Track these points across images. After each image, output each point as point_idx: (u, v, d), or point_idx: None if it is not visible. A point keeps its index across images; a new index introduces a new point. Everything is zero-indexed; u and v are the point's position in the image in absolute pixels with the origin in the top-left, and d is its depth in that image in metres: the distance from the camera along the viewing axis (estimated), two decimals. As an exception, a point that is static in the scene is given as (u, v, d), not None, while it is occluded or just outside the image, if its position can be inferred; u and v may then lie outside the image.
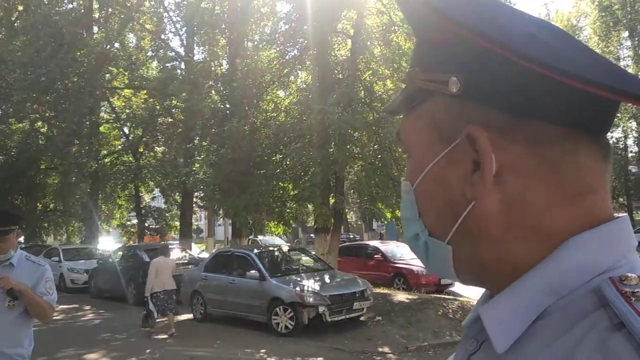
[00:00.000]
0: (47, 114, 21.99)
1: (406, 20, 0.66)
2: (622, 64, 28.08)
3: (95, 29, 23.30)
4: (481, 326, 0.56)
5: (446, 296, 13.16)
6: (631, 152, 31.14)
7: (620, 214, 0.56)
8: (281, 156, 14.38)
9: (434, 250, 0.60)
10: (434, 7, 0.53)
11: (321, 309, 10.06)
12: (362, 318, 10.91)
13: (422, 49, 0.61)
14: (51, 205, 25.19)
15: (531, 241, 0.54)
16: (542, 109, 0.52)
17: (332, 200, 13.48)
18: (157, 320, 10.74)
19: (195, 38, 20.84)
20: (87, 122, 22.30)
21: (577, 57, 0.50)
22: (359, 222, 41.04)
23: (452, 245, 0.58)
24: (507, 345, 0.53)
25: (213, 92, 17.46)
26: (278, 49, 15.10)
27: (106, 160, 24.01)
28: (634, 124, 29.86)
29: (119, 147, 24.92)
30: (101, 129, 23.96)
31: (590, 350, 0.45)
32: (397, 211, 13.68)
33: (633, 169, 31.38)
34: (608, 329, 0.46)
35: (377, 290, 12.83)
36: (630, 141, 30.83)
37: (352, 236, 35.77)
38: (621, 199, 30.01)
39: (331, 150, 12.88)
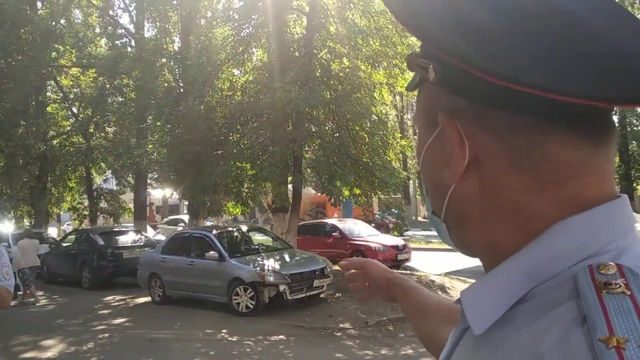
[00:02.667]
0: (-10, 94, 20.98)
1: None
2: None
3: (40, 4, 22.28)
4: None
5: (403, 271, 13.41)
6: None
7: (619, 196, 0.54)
8: (238, 136, 14.20)
9: (437, 226, 0.63)
10: (390, 10, 0.57)
11: (282, 288, 10.11)
12: (322, 295, 11.04)
13: None
14: (-4, 189, 24.18)
15: (511, 225, 0.54)
16: (501, 99, 0.51)
17: (290, 180, 13.45)
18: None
19: (145, 14, 20.21)
20: (34, 102, 21.47)
21: (532, 50, 0.48)
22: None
23: (447, 223, 0.61)
24: (483, 327, 0.53)
25: (166, 70, 17.04)
26: (233, 25, 14.79)
27: (55, 141, 23.16)
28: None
29: (68, 127, 24.04)
30: (48, 109, 23.09)
31: (552, 343, 0.45)
32: (355, 189, 13.77)
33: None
34: (573, 322, 0.44)
35: (336, 267, 12.94)
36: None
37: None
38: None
39: (289, 129, 12.81)
